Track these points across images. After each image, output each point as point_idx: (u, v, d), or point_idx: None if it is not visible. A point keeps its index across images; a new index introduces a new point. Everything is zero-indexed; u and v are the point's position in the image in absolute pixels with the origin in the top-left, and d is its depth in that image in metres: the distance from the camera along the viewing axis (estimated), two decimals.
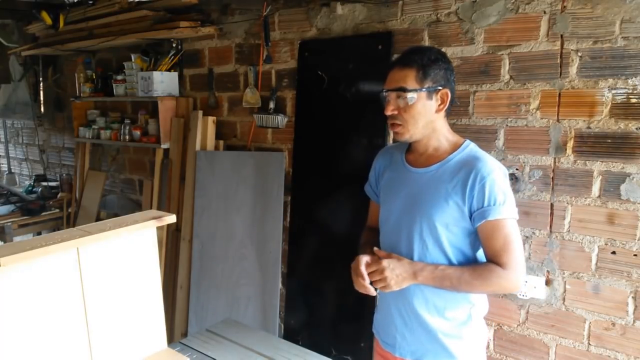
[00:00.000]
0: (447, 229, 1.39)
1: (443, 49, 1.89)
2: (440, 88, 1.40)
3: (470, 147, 1.44)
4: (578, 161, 1.67)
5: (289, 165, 2.48)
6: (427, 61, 1.39)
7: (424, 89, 1.38)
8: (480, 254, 1.44)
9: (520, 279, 1.36)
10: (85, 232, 1.24)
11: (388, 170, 1.59)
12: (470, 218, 1.37)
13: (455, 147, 1.45)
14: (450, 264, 1.41)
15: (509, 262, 1.34)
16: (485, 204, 1.33)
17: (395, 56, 2.04)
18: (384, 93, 1.43)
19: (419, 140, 1.46)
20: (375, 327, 1.65)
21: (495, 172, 1.35)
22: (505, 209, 1.34)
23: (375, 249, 1.45)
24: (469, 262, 1.43)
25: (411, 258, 1.42)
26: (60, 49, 3.35)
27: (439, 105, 1.41)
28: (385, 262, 1.37)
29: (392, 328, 1.52)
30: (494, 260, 1.36)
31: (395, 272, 1.36)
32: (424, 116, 1.40)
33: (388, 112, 1.42)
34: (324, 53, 2.28)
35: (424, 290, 1.43)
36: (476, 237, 1.41)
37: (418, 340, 1.47)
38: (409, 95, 1.37)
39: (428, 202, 1.41)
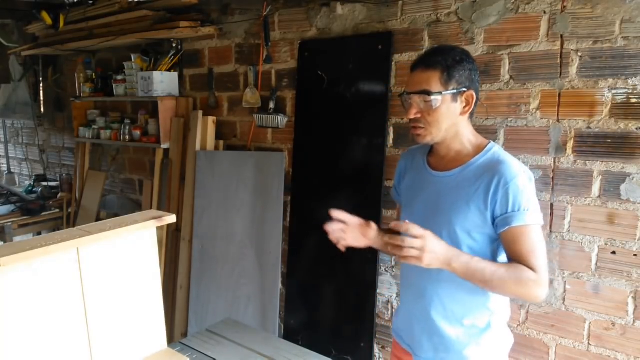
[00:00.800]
0: (469, 235, 1.34)
1: None
2: (465, 90, 1.33)
3: (494, 150, 1.37)
4: (578, 161, 1.67)
5: (289, 165, 2.48)
6: (452, 62, 1.32)
7: (448, 92, 1.31)
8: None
9: (547, 286, 1.28)
10: (85, 232, 1.24)
11: (410, 173, 1.55)
12: (493, 224, 1.31)
13: (479, 150, 1.38)
14: None
15: (537, 267, 1.25)
16: (509, 210, 1.27)
17: (395, 57, 2.04)
18: (406, 96, 1.36)
19: (440, 142, 1.39)
20: (395, 329, 1.62)
21: (519, 177, 1.28)
22: (529, 216, 1.26)
23: (408, 222, 1.24)
24: None
25: None
26: (60, 49, 3.35)
27: (464, 107, 1.35)
28: (429, 235, 1.21)
29: (411, 333, 1.50)
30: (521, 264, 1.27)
31: (435, 248, 1.21)
32: (447, 119, 1.34)
33: (411, 116, 1.35)
34: (324, 53, 2.28)
35: (442, 298, 1.40)
36: (499, 245, 1.35)
37: (434, 347, 1.44)
38: (434, 98, 1.31)
39: (449, 207, 1.35)
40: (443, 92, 1.31)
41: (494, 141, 1.79)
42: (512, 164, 1.31)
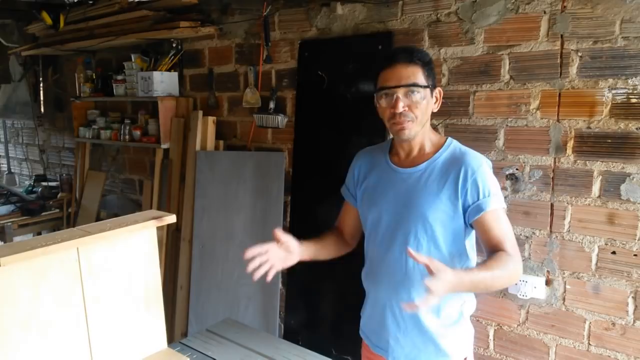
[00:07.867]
0: (442, 225, 1.39)
1: (443, 49, 1.90)
2: (436, 87, 1.42)
3: (454, 144, 1.45)
4: (578, 161, 1.67)
5: (289, 165, 2.48)
6: (427, 59, 1.40)
7: (429, 86, 1.38)
8: (469, 247, 1.45)
9: (521, 261, 1.38)
10: (86, 232, 1.24)
11: (372, 174, 1.56)
12: (465, 213, 1.37)
13: (439, 146, 1.45)
14: (444, 260, 1.31)
15: (512, 248, 1.33)
16: (480, 196, 1.34)
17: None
18: (390, 90, 1.37)
19: (413, 138, 1.43)
20: (364, 330, 1.62)
21: (483, 165, 1.38)
22: (498, 199, 1.35)
23: (430, 259, 1.18)
24: (461, 256, 1.43)
25: (406, 257, 1.41)
26: (60, 49, 3.35)
27: (434, 103, 1.43)
28: (450, 273, 1.16)
29: (384, 332, 1.50)
30: (497, 250, 1.32)
31: (451, 283, 1.16)
32: (427, 113, 1.41)
33: (399, 110, 1.36)
34: (324, 53, 2.28)
35: (421, 293, 1.37)
36: (466, 232, 1.41)
37: (412, 342, 1.45)
38: (422, 91, 1.36)
39: (420, 200, 1.40)
40: (427, 86, 1.37)
41: (493, 141, 1.81)
42: (475, 154, 1.41)
